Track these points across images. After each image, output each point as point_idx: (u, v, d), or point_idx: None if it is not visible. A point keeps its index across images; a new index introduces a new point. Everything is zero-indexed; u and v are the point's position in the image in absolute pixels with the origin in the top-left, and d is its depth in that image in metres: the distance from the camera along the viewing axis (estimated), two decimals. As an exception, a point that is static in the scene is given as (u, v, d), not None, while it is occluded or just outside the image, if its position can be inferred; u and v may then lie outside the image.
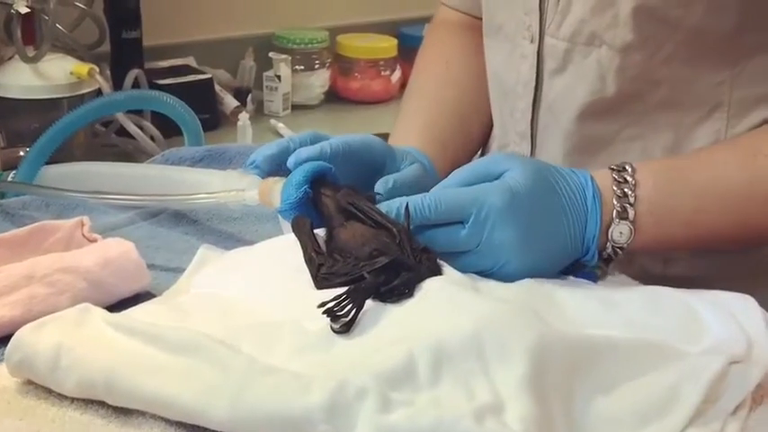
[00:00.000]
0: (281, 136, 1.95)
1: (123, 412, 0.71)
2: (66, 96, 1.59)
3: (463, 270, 0.85)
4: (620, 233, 0.89)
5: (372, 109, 2.18)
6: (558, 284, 0.88)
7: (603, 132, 1.02)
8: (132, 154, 1.73)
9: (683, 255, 1.04)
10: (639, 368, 0.74)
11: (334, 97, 2.23)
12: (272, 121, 2.01)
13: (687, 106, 0.99)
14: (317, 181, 0.91)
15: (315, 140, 0.96)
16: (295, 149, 0.93)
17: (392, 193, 0.93)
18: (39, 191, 1.10)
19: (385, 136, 1.85)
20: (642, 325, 0.81)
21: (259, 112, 2.09)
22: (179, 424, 0.70)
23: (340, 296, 0.74)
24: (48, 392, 0.74)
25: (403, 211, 0.84)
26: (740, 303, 0.85)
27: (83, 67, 1.63)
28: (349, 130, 1.97)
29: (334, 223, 0.87)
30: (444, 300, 0.74)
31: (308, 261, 0.83)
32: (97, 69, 1.65)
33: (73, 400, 0.73)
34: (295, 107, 2.14)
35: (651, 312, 0.83)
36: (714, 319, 0.82)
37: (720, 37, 0.96)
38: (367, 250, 0.81)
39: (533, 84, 1.06)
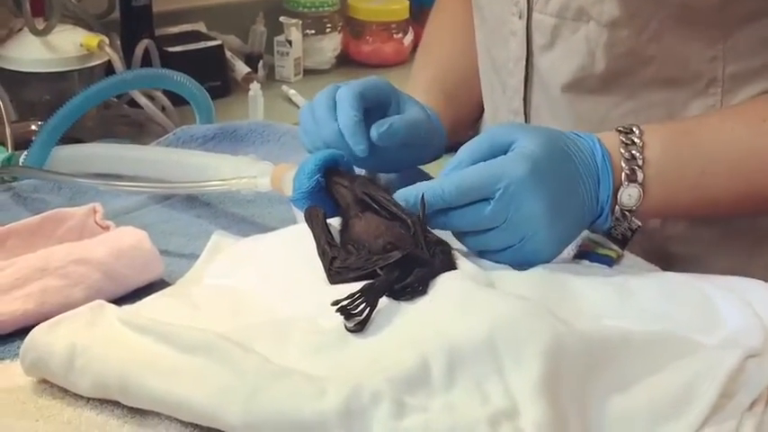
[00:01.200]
0: (293, 103, 1.94)
1: (139, 412, 0.72)
2: (76, 69, 1.57)
3: (488, 247, 0.85)
4: (629, 196, 0.89)
5: (385, 72, 2.15)
6: (572, 272, 0.87)
7: (595, 109, 1.02)
8: (144, 124, 1.72)
9: (683, 231, 1.04)
10: (655, 364, 0.73)
11: (345, 61, 2.21)
12: (284, 88, 2.00)
13: (680, 83, 0.98)
14: (330, 168, 0.91)
15: (332, 97, 0.97)
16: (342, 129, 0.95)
17: (386, 135, 0.94)
18: (50, 176, 1.09)
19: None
20: (658, 315, 0.81)
21: (270, 78, 2.07)
22: (194, 425, 0.70)
23: (353, 294, 0.73)
24: (63, 392, 0.74)
25: (420, 199, 0.83)
26: (757, 290, 0.84)
27: (92, 39, 1.62)
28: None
29: (350, 213, 0.86)
30: (458, 299, 0.74)
31: (322, 254, 0.82)
32: (107, 41, 1.64)
33: (88, 399, 0.73)
34: (306, 72, 2.12)
35: (667, 302, 0.83)
36: (730, 308, 0.81)
37: (707, 10, 0.94)
38: (381, 243, 0.81)
39: (524, 61, 1.05)
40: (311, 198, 0.89)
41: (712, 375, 0.72)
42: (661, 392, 0.71)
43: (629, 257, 0.96)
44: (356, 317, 0.73)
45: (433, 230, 0.84)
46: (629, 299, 0.83)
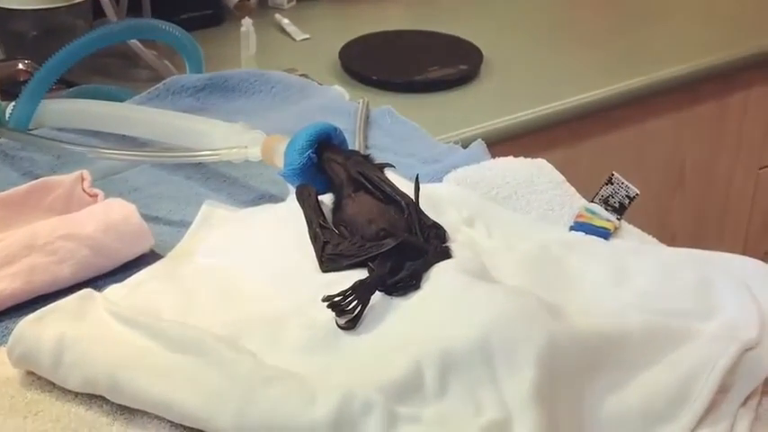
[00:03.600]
0: (287, 33, 1.90)
1: (128, 410, 0.71)
2: (63, 5, 1.53)
3: None
4: None
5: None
6: (568, 249, 0.86)
7: None
8: (132, 58, 1.68)
9: None
10: (651, 356, 0.72)
11: (340, -15, 2.16)
12: (277, 17, 1.95)
13: None
14: (323, 143, 0.89)
15: None
16: None
17: None
18: (39, 141, 1.07)
19: (398, 32, 1.79)
20: (655, 297, 0.80)
21: (263, 5, 2.02)
22: (185, 426, 0.69)
23: (345, 291, 0.72)
24: (52, 384, 0.73)
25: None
26: (757, 273, 0.83)
27: (80, -27, 1.57)
28: (356, 24, 1.91)
29: (343, 193, 0.85)
30: (451, 296, 0.72)
31: (313, 238, 0.81)
32: (94, -25, 1.59)
33: (77, 394, 0.72)
34: (300, -3, 2.07)
35: (664, 284, 0.82)
36: (728, 292, 0.81)
37: None
38: (374, 229, 0.79)
39: None
40: (302, 174, 0.87)
41: (708, 372, 0.71)
42: (656, 391, 0.70)
43: (626, 228, 0.94)
44: (348, 314, 0.71)
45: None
46: (627, 281, 0.82)
